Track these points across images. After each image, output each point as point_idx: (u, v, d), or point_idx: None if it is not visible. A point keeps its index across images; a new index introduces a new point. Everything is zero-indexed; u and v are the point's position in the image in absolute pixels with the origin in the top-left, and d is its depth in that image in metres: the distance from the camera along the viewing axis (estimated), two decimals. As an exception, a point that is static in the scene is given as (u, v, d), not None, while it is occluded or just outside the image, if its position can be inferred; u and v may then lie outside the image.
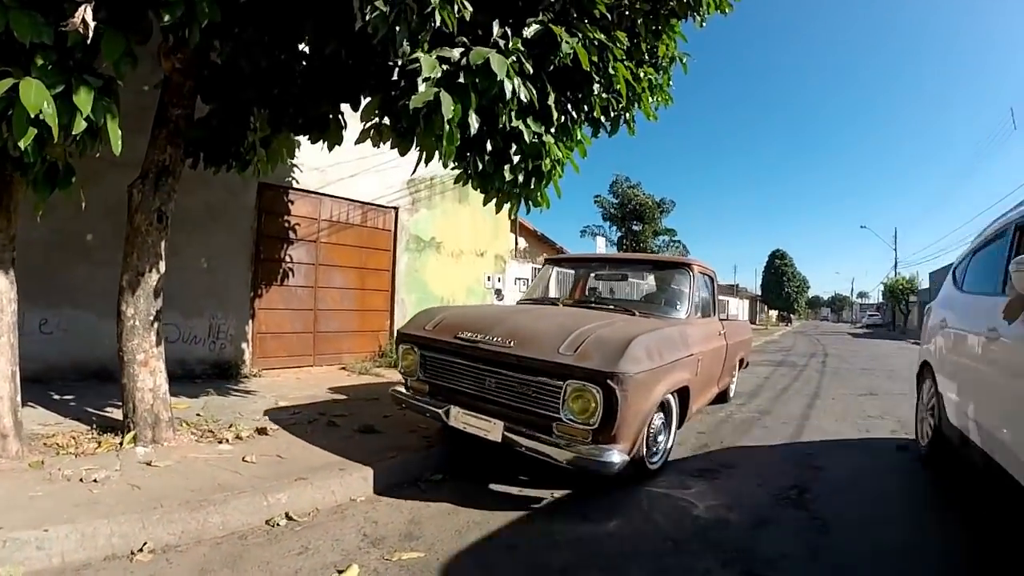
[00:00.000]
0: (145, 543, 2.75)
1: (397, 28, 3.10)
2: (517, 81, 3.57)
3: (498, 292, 11.56)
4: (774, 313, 64.31)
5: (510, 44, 3.68)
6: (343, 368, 8.39)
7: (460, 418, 3.92)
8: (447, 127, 3.46)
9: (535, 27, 3.88)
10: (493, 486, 3.90)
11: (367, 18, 3.03)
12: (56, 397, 5.21)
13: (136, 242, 4.14)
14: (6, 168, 3.36)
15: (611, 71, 4.48)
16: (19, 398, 3.71)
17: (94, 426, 4.33)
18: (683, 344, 4.34)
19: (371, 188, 8.93)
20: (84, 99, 2.91)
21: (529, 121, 4.16)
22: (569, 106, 4.60)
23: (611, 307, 5.04)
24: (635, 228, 34.49)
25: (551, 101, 4.19)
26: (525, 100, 3.77)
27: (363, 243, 9.05)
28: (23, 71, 2.81)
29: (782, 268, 60.87)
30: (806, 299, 73.40)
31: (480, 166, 4.40)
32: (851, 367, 13.80)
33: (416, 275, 9.84)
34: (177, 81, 4.18)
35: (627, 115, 5.38)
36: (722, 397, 7.15)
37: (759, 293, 63.38)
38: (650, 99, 5.42)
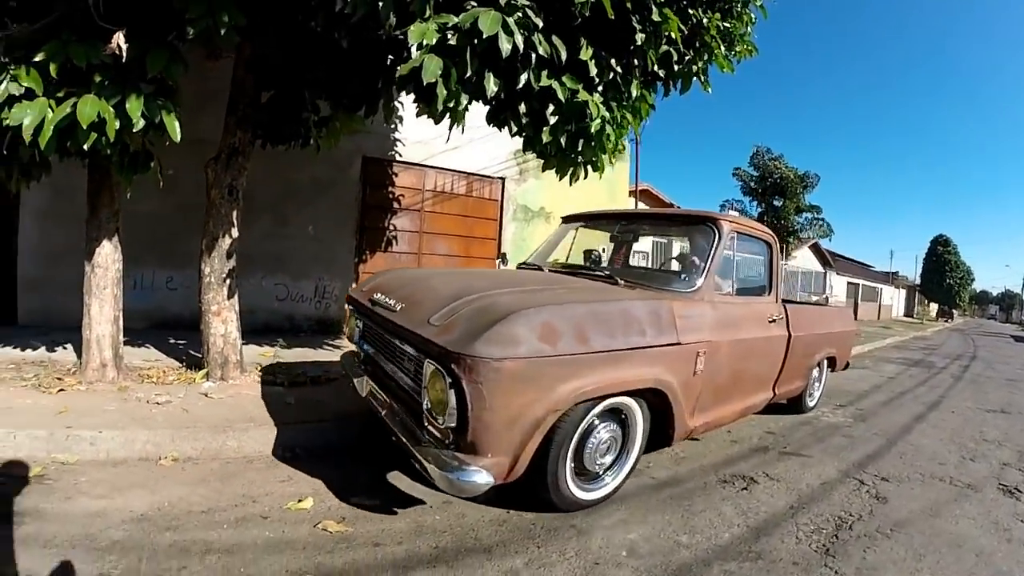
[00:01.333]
0: (171, 453, 3.56)
1: (380, 4, 3.35)
2: (520, 37, 3.59)
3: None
4: (934, 307, 58.12)
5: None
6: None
7: (367, 391, 3.55)
8: (443, 91, 3.61)
9: None
10: (391, 475, 3.56)
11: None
12: (171, 341, 6.44)
13: (212, 212, 4.98)
14: (98, 158, 4.19)
15: (655, 18, 4.31)
16: (121, 337, 4.82)
17: (184, 364, 5.37)
18: (655, 327, 3.28)
19: (477, 159, 9.38)
20: (135, 105, 3.60)
21: (565, 79, 4.15)
22: (613, 61, 4.46)
23: (597, 274, 4.27)
24: (776, 203, 32.43)
25: (586, 56, 4.17)
26: (545, 55, 3.82)
27: (468, 212, 9.60)
28: (87, 89, 3.55)
29: (945, 256, 55.07)
30: (970, 293, 65.75)
31: (515, 128, 4.55)
32: (995, 376, 11.74)
33: (524, 244, 10.10)
34: (239, 75, 4.92)
35: (695, 68, 5.10)
36: (794, 406, 5.86)
37: (918, 283, 57.64)
38: (721, 49, 5.15)
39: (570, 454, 3.05)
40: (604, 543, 2.89)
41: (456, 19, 3.54)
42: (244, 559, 2.49)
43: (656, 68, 4.74)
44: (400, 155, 8.80)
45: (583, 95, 4.22)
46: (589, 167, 5.05)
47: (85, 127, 3.41)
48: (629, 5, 4.16)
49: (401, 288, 3.60)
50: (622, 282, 3.91)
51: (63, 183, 5.72)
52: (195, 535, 2.66)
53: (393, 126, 8.37)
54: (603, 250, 5.32)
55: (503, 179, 9.85)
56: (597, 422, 3.20)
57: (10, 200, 6.81)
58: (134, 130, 3.63)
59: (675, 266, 5.21)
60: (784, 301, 4.99)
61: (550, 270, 4.59)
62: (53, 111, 3.46)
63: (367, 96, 5.23)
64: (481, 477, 2.55)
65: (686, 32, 4.75)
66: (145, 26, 3.79)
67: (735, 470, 4.15)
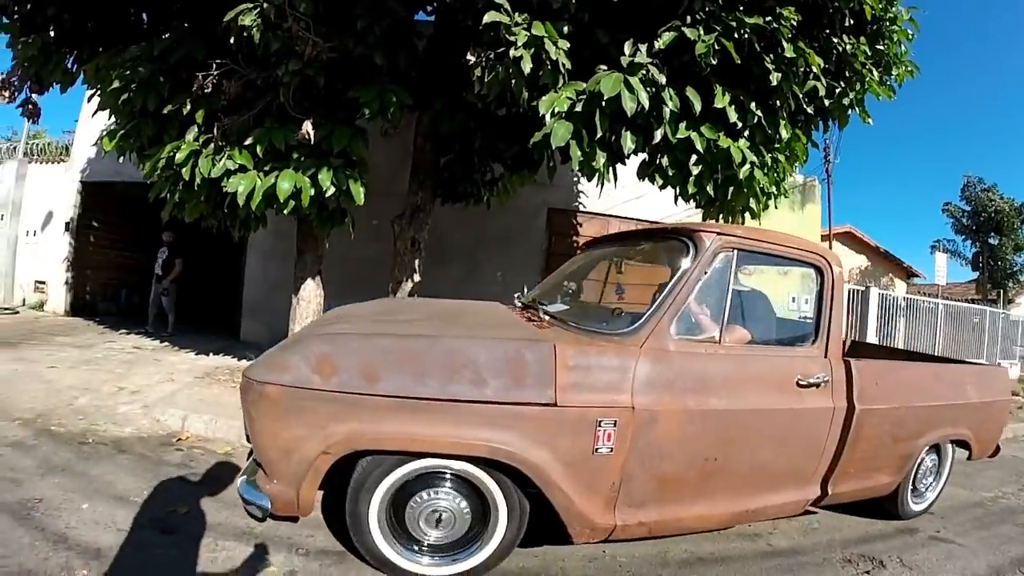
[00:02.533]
0: None
1: (513, 82, 3.95)
2: (645, 94, 3.97)
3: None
4: None
5: (637, 59, 4.07)
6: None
7: None
8: (576, 151, 4.14)
9: (667, 35, 4.14)
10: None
11: (485, 81, 4.05)
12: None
13: (397, 261, 5.97)
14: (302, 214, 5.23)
15: (789, 55, 4.30)
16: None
17: None
18: (509, 377, 2.54)
19: (661, 207, 9.64)
20: (325, 176, 4.57)
21: (704, 128, 4.38)
22: (752, 104, 4.51)
23: (528, 308, 3.80)
24: (992, 241, 27.58)
25: (722, 103, 4.33)
26: (676, 109, 4.15)
27: (652, 260, 9.74)
28: (287, 163, 4.63)
29: None
30: None
31: (662, 181, 4.85)
32: None
33: None
34: (418, 143, 5.90)
35: (847, 100, 4.94)
36: (885, 507, 4.13)
37: None
38: (874, 75, 4.94)
39: (375, 509, 2.63)
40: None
41: (584, 85, 4.03)
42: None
43: (804, 105, 4.74)
44: (584, 206, 9.41)
45: (724, 142, 4.39)
46: (747, 214, 5.19)
47: (282, 199, 4.46)
48: (758, 46, 4.24)
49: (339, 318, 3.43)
50: (546, 318, 3.36)
51: (283, 228, 7.01)
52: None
53: (576, 179, 9.01)
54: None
55: None
56: (425, 486, 2.69)
57: (239, 242, 8.69)
58: (326, 196, 4.62)
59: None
60: (876, 353, 4.78)
61: (518, 304, 4.07)
62: (261, 181, 4.56)
63: (526, 158, 5.88)
64: (262, 500, 2.51)
65: (830, 65, 4.71)
66: (329, 112, 4.82)
67: (867, 550, 3.66)
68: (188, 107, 4.85)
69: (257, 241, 8.63)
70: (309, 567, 2.80)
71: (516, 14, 3.98)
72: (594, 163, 4.29)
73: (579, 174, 4.60)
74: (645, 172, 5.01)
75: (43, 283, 11.43)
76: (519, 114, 4.61)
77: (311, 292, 5.88)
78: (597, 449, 2.61)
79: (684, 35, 4.10)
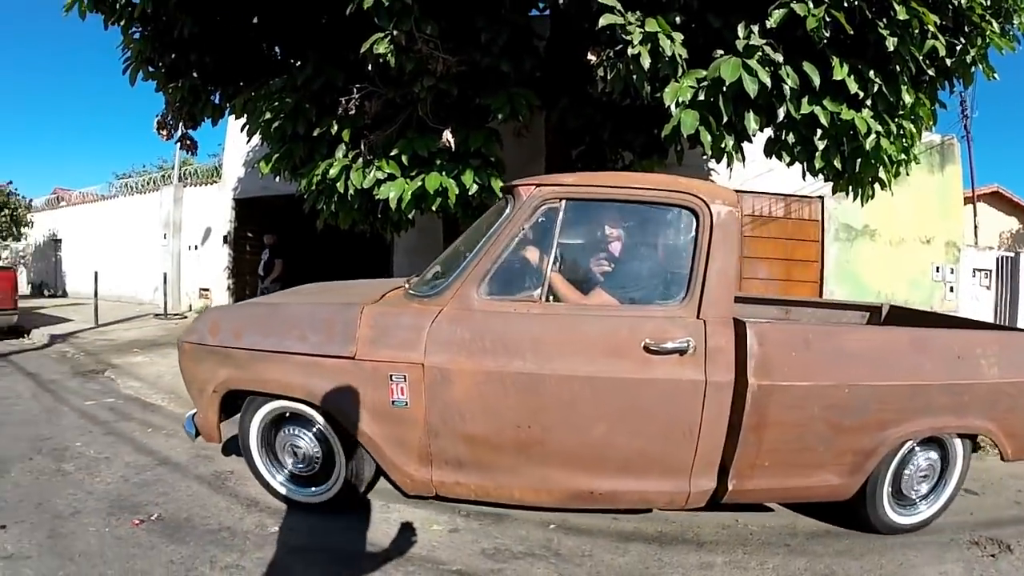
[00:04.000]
0: None
1: (634, 77, 4.32)
2: (765, 74, 4.22)
3: None
4: None
5: (751, 41, 4.32)
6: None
7: None
8: (707, 137, 4.46)
9: (777, 13, 4.26)
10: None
11: (607, 79, 4.44)
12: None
13: None
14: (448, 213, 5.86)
15: (902, 17, 4.26)
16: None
17: None
18: (321, 334, 3.13)
19: (793, 179, 9.69)
20: (467, 176, 5.24)
21: (826, 102, 4.58)
22: (871, 73, 4.61)
23: (405, 283, 3.90)
24: None
25: (841, 75, 4.47)
26: (795, 86, 4.37)
27: (787, 235, 9.91)
28: (430, 168, 5.29)
29: None
30: None
31: (789, 158, 5.12)
32: None
33: (847, 267, 9.98)
34: (550, 139, 6.53)
35: (968, 57, 4.90)
36: (854, 512, 3.38)
37: None
38: (994, 26, 4.80)
39: (254, 437, 3.41)
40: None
41: (704, 72, 4.36)
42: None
43: (925, 68, 4.76)
44: (715, 183, 9.53)
45: (847, 114, 4.57)
46: (877, 185, 5.34)
47: (430, 199, 5.17)
48: (869, 13, 4.32)
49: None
50: (403, 287, 3.61)
51: (426, 225, 7.66)
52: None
53: (704, 156, 9.16)
54: None
55: (821, 198, 9.83)
56: (288, 425, 3.37)
57: (387, 242, 9.97)
58: (469, 193, 5.27)
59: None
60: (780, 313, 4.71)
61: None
62: (409, 186, 5.26)
63: (655, 145, 6.21)
64: (189, 426, 3.57)
65: (947, 22, 4.64)
66: (464, 118, 5.46)
67: (996, 533, 3.48)
68: (335, 128, 5.55)
69: (403, 240, 9.43)
70: (470, 525, 3.37)
71: (629, 13, 4.32)
72: (723, 146, 4.61)
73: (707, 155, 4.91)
74: (772, 149, 5.28)
75: (207, 290, 13.67)
76: (644, 105, 4.91)
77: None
78: (394, 402, 2.96)
79: (794, 11, 4.20)
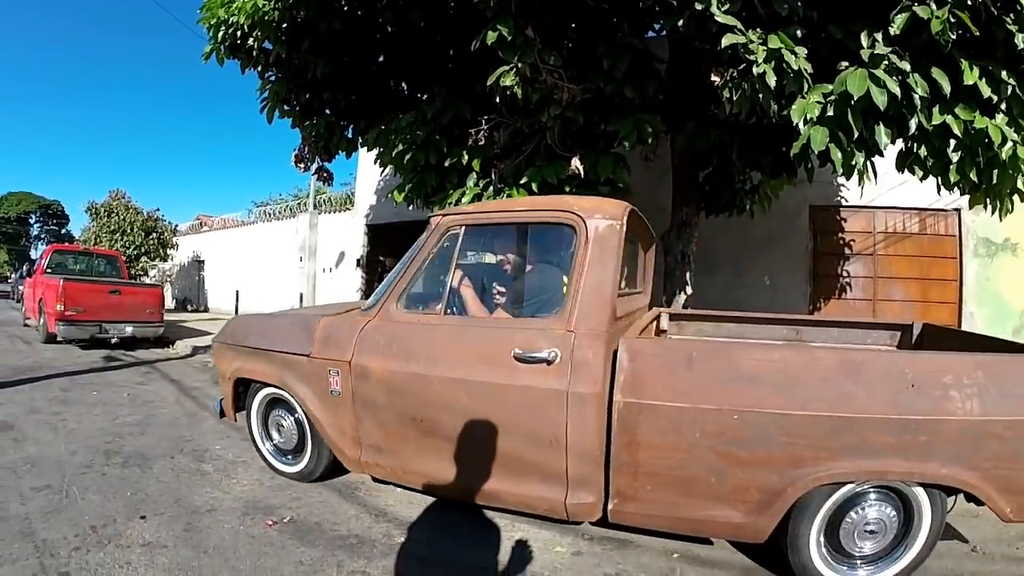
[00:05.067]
0: None
1: (760, 96, 4.44)
2: (894, 84, 4.15)
3: None
4: None
5: (876, 50, 4.28)
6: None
7: None
8: (837, 153, 4.50)
9: (900, 18, 4.20)
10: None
11: (732, 100, 4.60)
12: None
13: (669, 275, 6.64)
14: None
15: None
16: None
17: None
18: (291, 337, 4.06)
19: (927, 191, 9.30)
20: None
21: (958, 110, 4.44)
22: (1004, 74, 4.40)
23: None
24: None
25: (972, 79, 4.30)
26: (925, 94, 4.30)
27: (922, 252, 9.57)
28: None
29: None
30: None
31: (922, 172, 5.02)
32: None
33: (987, 284, 9.44)
34: (676, 162, 6.71)
35: None
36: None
37: None
38: None
39: (255, 417, 4.53)
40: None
41: (830, 86, 4.39)
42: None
43: None
44: (846, 199, 9.53)
45: (980, 122, 4.39)
46: (1015, 196, 5.10)
47: None
48: (994, 9, 4.14)
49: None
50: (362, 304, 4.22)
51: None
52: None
53: (834, 171, 8.95)
54: None
55: (958, 210, 9.39)
56: (277, 407, 4.39)
57: None
58: None
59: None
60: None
61: None
62: None
63: (784, 163, 6.31)
64: (217, 407, 4.79)
65: None
66: (590, 144, 5.73)
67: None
68: (465, 158, 5.95)
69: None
70: (592, 549, 3.48)
71: (750, 31, 4.39)
72: (853, 163, 4.60)
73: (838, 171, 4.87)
74: (904, 163, 5.16)
75: (341, 309, 15.14)
76: (771, 123, 4.98)
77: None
78: (332, 391, 3.71)
79: (916, 15, 4.13)
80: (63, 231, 77.92)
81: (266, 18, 6.22)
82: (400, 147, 6.37)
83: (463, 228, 3.56)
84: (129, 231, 21.20)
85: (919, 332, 4.40)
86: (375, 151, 7.63)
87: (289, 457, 4.37)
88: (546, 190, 5.62)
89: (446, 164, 6.14)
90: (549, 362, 3.03)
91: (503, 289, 3.81)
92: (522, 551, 3.41)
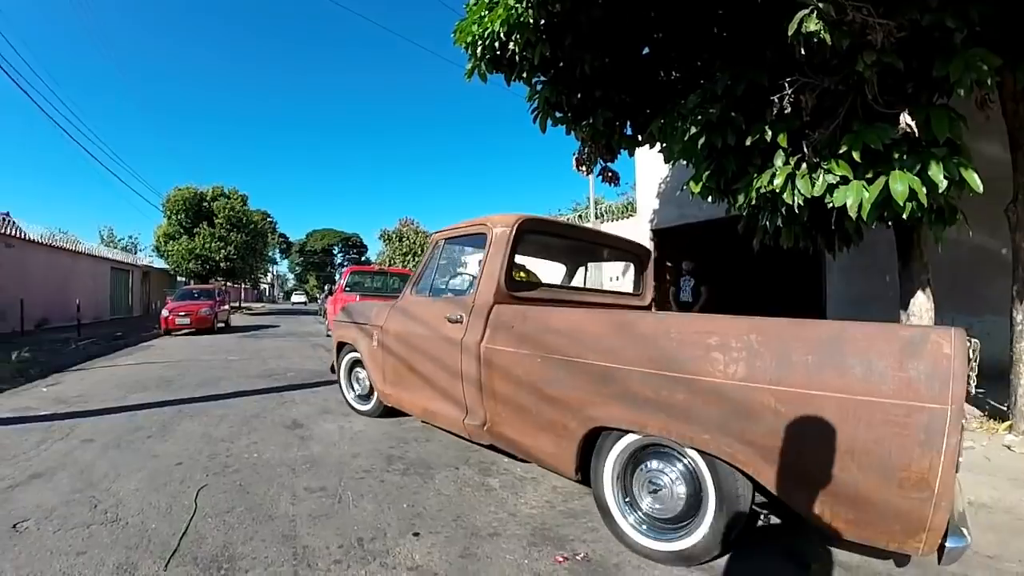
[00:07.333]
0: (966, 496, 3.61)
1: None
2: None
3: None
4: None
5: None
6: None
7: None
8: None
9: None
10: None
11: None
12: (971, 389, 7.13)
13: (1019, 257, 5.45)
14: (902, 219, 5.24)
15: None
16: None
17: (985, 413, 5.92)
18: (365, 314, 6.46)
19: None
20: (936, 170, 4.59)
21: None
22: None
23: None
24: None
25: None
26: None
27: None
28: (888, 165, 4.78)
29: None
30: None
31: None
32: None
33: None
34: (1010, 108, 5.48)
35: None
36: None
37: None
38: None
39: (343, 370, 7.21)
40: None
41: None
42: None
43: None
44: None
45: None
46: None
47: (901, 202, 4.56)
48: None
49: None
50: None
51: (863, 240, 7.03)
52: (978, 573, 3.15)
53: None
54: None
55: None
56: (357, 367, 7.01)
57: (815, 257, 9.31)
58: (939, 192, 4.59)
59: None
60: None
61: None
62: (867, 191, 4.77)
63: None
64: (331, 370, 7.94)
65: None
66: (910, 98, 4.89)
67: None
68: (768, 134, 5.25)
69: (836, 259, 8.78)
70: None
71: None
72: None
73: None
74: None
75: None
76: None
77: (922, 306, 5.83)
78: (374, 344, 5.93)
79: None
80: (363, 258, 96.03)
81: (521, 19, 6.29)
82: (692, 130, 5.83)
83: (443, 241, 5.28)
84: (420, 252, 23.12)
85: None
86: (656, 150, 7.48)
87: (363, 400, 6.81)
88: (868, 159, 4.86)
89: (747, 143, 5.49)
90: (459, 322, 4.57)
91: (455, 278, 5.61)
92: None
